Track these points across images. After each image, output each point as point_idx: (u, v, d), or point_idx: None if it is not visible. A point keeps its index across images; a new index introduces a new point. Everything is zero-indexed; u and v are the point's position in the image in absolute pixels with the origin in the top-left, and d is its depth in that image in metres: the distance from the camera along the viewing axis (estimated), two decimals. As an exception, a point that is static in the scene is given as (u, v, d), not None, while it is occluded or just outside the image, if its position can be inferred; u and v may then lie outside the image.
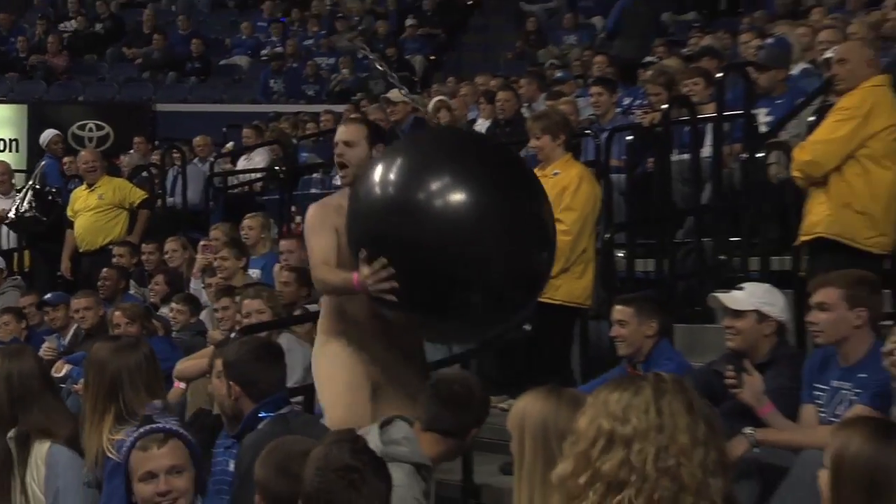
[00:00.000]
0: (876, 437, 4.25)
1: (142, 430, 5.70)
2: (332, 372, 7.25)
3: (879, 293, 7.44)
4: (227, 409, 7.11)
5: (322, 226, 7.28)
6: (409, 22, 28.64)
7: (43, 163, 18.63)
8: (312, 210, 7.58)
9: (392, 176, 6.72)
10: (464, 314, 6.80)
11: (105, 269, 13.69)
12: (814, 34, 14.29)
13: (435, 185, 6.58)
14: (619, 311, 8.27)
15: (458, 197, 6.54)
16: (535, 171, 10.32)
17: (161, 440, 5.55)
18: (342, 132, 7.70)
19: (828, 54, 10.49)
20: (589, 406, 3.65)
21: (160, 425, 5.69)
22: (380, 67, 14.62)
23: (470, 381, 6.57)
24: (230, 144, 20.16)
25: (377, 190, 6.74)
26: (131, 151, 21.15)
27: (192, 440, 5.79)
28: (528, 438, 4.83)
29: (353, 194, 7.00)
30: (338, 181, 15.56)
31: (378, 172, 6.80)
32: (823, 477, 4.23)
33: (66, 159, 19.55)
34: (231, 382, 6.83)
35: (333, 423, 6.75)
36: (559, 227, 9.94)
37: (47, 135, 19.19)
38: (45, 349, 11.19)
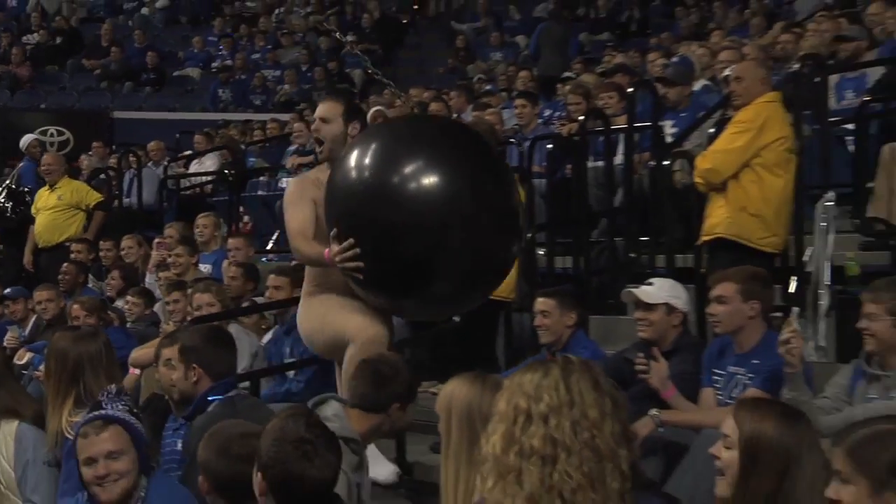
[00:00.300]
0: (786, 422, 4.37)
1: (85, 417, 5.67)
2: (329, 308, 6.99)
3: (771, 288, 7.52)
4: (175, 394, 7.10)
5: (301, 198, 7.00)
6: (350, 35, 28.59)
7: (21, 164, 18.52)
8: (292, 183, 7.38)
9: (367, 160, 6.49)
10: (427, 296, 6.65)
11: (65, 265, 13.56)
12: (713, 54, 14.44)
13: (407, 170, 6.35)
14: (541, 303, 8.28)
15: (428, 182, 6.32)
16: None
17: (100, 427, 5.46)
18: (319, 109, 7.46)
19: (726, 73, 10.62)
20: (506, 388, 3.69)
21: (101, 413, 5.55)
22: (357, 53, 14.39)
23: (397, 362, 6.42)
24: (188, 153, 20.08)
25: (353, 173, 6.52)
26: (90, 154, 21.02)
27: (134, 424, 5.62)
28: (455, 420, 4.90)
29: (331, 175, 6.76)
30: (283, 184, 15.71)
31: (354, 156, 6.57)
32: (726, 457, 4.34)
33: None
34: (194, 365, 6.76)
35: (364, 336, 6.70)
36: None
37: (27, 139, 19.01)
38: (9, 339, 11.15)
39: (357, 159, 6.51)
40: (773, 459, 4.28)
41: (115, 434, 5.45)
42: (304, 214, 6.89)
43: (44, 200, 15.41)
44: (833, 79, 11.42)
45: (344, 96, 8.58)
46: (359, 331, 6.69)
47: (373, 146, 6.57)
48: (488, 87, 19.52)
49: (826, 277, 8.04)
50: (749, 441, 4.30)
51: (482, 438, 3.74)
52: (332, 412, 5.83)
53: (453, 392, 4.97)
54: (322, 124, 7.25)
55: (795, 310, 6.87)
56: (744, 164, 8.70)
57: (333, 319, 6.89)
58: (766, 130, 8.69)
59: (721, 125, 9.78)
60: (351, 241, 6.18)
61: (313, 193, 6.88)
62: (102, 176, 18.04)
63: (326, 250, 6.43)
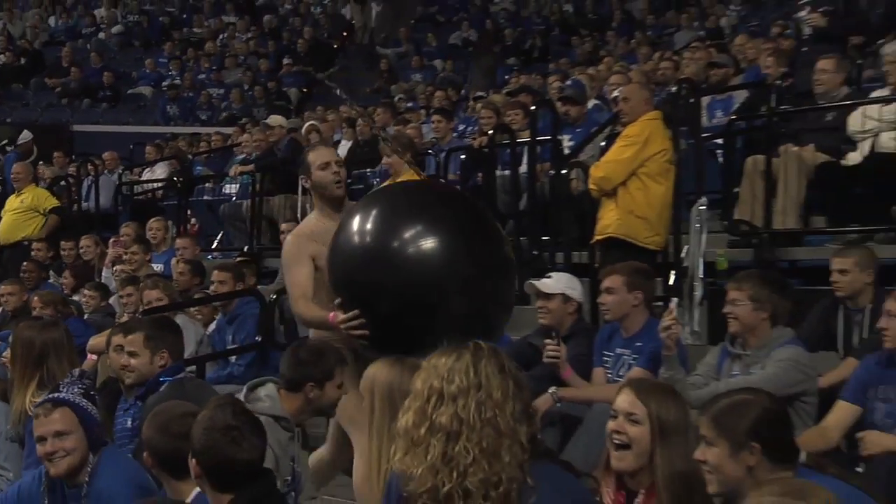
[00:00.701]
0: (679, 400, 4.58)
1: (41, 399, 5.69)
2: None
3: (653, 280, 7.65)
4: (127, 378, 7.03)
5: (298, 257, 6.38)
6: (285, 61, 28.45)
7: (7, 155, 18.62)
8: (289, 241, 6.66)
9: (367, 226, 5.86)
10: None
11: (26, 262, 13.56)
12: (605, 78, 14.58)
13: (406, 234, 5.73)
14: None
15: (427, 246, 5.69)
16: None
17: (49, 409, 5.46)
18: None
19: (615, 94, 10.73)
20: (423, 369, 3.76)
21: (52, 396, 5.56)
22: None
23: (320, 348, 6.22)
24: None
25: (354, 238, 5.88)
26: (50, 164, 20.83)
27: (83, 406, 5.59)
28: (378, 399, 4.96)
29: (334, 240, 6.05)
30: (227, 189, 15.66)
31: (355, 222, 5.93)
32: (635, 432, 4.41)
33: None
34: (163, 351, 6.82)
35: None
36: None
37: (25, 135, 19.11)
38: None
39: (358, 225, 5.92)
40: (675, 433, 4.40)
41: (63, 415, 5.45)
42: (303, 275, 6.33)
43: (10, 204, 15.31)
44: (705, 100, 11.52)
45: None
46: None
47: (373, 213, 5.96)
48: (409, 105, 19.50)
49: (700, 271, 8.16)
50: (658, 418, 4.39)
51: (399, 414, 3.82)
52: (266, 393, 5.81)
53: (376, 374, 5.02)
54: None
55: (675, 300, 6.97)
56: (631, 173, 8.75)
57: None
58: (649, 144, 8.77)
59: (611, 139, 9.80)
60: (356, 312, 5.69)
61: (311, 249, 6.36)
62: (63, 183, 17.89)
63: (331, 314, 5.90)
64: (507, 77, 21.21)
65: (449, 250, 5.78)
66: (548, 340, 7.23)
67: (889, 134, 8.99)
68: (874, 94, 9.51)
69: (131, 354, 6.87)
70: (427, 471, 3.58)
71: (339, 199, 6.63)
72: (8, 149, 19.42)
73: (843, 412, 6.14)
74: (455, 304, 5.71)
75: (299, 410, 5.79)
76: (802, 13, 10.75)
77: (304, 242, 6.42)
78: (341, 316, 5.75)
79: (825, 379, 6.62)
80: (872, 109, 9.19)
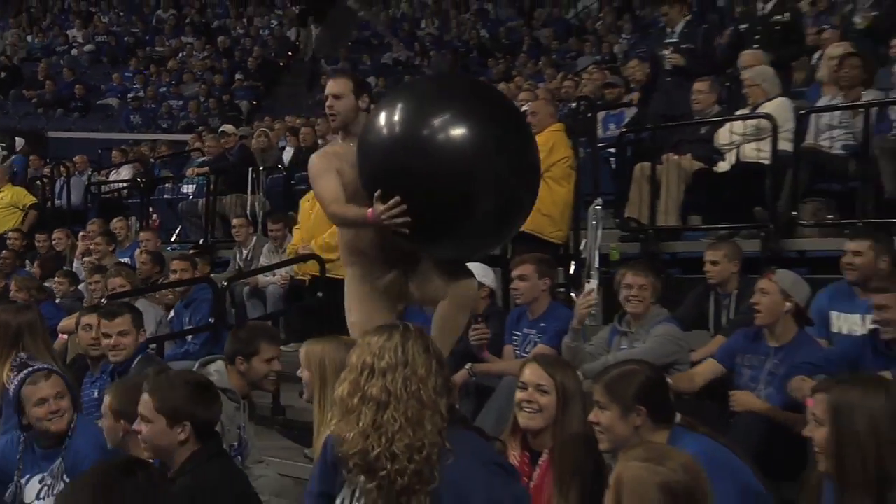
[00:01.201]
0: (574, 372, 4.69)
1: (27, 371, 5.71)
2: (352, 296, 5.88)
3: (556, 269, 7.84)
4: (90, 353, 7.21)
5: (327, 170, 5.74)
6: (237, 76, 28.41)
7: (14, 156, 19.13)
8: (314, 159, 6.00)
9: (397, 116, 5.23)
10: (464, 237, 5.37)
11: (3, 252, 13.49)
12: (516, 94, 14.67)
13: (437, 121, 5.13)
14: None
15: (459, 131, 5.08)
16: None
17: (46, 376, 5.59)
18: (330, 86, 6.09)
19: (524, 108, 10.83)
20: (357, 346, 3.79)
21: (42, 366, 5.74)
22: None
23: (257, 328, 6.38)
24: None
25: (385, 130, 5.25)
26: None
27: (64, 376, 5.82)
28: (329, 373, 4.81)
29: (363, 136, 5.48)
30: (185, 189, 15.50)
31: (384, 114, 5.29)
32: (545, 401, 4.49)
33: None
34: (143, 330, 7.01)
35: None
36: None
37: (20, 141, 19.41)
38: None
39: (387, 117, 5.29)
40: (574, 400, 4.50)
41: (56, 381, 5.58)
42: (333, 183, 5.68)
43: (-10, 201, 15.29)
44: (600, 115, 11.64)
45: (351, 74, 7.20)
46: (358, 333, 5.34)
47: (400, 103, 5.34)
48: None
49: (595, 262, 8.24)
50: (563, 387, 4.48)
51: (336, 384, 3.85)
52: (215, 368, 5.81)
53: (325, 352, 4.93)
54: (335, 100, 5.94)
55: (594, 282, 7.03)
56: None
57: (351, 308, 5.85)
58: (554, 152, 8.84)
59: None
60: (397, 198, 5.08)
61: (336, 164, 5.77)
62: (38, 182, 17.78)
63: (369, 210, 5.25)
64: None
65: (483, 138, 5.17)
66: (475, 325, 7.31)
67: (750, 145, 9.13)
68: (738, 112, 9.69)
69: (122, 334, 6.85)
70: (358, 435, 3.59)
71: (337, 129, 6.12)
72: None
73: (709, 366, 6.39)
74: (486, 186, 5.14)
75: (240, 383, 5.78)
76: (666, 51, 10.89)
77: (329, 158, 5.84)
78: (380, 206, 5.15)
79: (697, 353, 6.77)
80: (737, 125, 9.37)
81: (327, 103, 5.99)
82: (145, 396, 4.25)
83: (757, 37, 11.25)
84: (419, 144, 5.13)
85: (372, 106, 5.84)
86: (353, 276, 5.86)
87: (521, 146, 5.45)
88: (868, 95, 9.20)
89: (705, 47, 11.03)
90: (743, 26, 11.67)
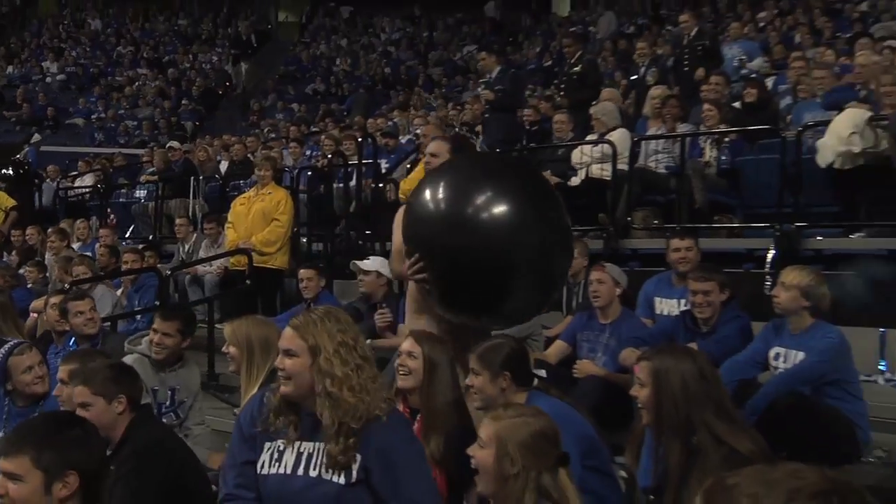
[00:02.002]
0: (443, 345, 4.60)
1: (11, 343, 5.64)
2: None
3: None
4: (56, 328, 7.11)
5: (399, 225, 4.95)
6: (183, 102, 28.12)
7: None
8: (400, 211, 5.22)
9: (440, 193, 4.59)
10: (498, 313, 4.64)
11: (-15, 246, 13.32)
12: (412, 118, 14.74)
13: (479, 200, 4.45)
14: (305, 272, 8.32)
15: (498, 210, 4.42)
16: (254, 190, 10.48)
17: (28, 348, 5.56)
18: (431, 146, 5.73)
19: (418, 131, 10.88)
20: (290, 329, 3.49)
21: (21, 340, 5.74)
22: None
23: (188, 311, 6.35)
24: (74, 173, 19.56)
25: (430, 204, 4.60)
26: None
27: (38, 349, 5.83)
28: (245, 349, 4.86)
29: (409, 204, 4.86)
30: (137, 194, 15.38)
31: (430, 188, 4.65)
32: (413, 364, 4.49)
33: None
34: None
35: None
36: (279, 225, 10.08)
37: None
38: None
39: (432, 192, 4.63)
40: (440, 368, 4.47)
41: (36, 352, 5.58)
42: (398, 238, 5.00)
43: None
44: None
45: (451, 138, 6.87)
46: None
47: (444, 181, 4.67)
48: (273, 136, 19.35)
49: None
50: (428, 357, 4.46)
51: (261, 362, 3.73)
52: (146, 339, 5.83)
53: (244, 329, 4.92)
54: (433, 159, 5.54)
55: None
56: None
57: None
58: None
59: (415, 163, 9.96)
60: (416, 256, 4.59)
61: None
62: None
63: (403, 267, 4.79)
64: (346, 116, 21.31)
65: (521, 216, 4.49)
66: (381, 310, 7.32)
67: (596, 165, 9.26)
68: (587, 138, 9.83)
69: (93, 310, 6.90)
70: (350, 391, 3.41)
71: None
72: None
73: (558, 346, 6.50)
74: (522, 264, 4.48)
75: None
76: (479, 89, 11.22)
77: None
78: (406, 264, 4.70)
79: (552, 331, 6.86)
80: (586, 149, 9.49)
81: (426, 160, 5.62)
82: (80, 388, 4.12)
83: (563, 83, 11.51)
84: (460, 222, 4.43)
85: None
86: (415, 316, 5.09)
87: (556, 220, 4.70)
88: (683, 128, 9.44)
89: (513, 88, 11.22)
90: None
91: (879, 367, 6.57)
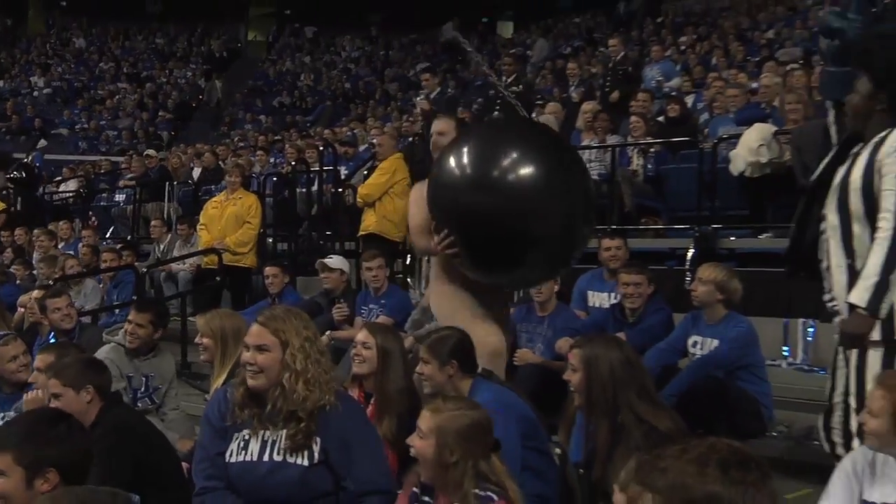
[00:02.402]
0: (396, 335, 4.65)
1: None
2: (457, 310, 4.70)
3: (395, 260, 7.87)
4: (62, 325, 6.88)
5: (418, 202, 4.75)
6: (160, 114, 27.98)
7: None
8: (415, 188, 5.09)
9: (465, 157, 4.37)
10: (520, 272, 4.60)
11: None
12: (370, 129, 14.70)
13: (505, 162, 4.25)
14: (270, 269, 8.27)
15: (524, 172, 4.23)
16: (225, 195, 10.39)
17: (14, 338, 5.50)
18: (436, 125, 5.24)
19: (374, 141, 10.83)
20: (260, 326, 3.46)
21: (8, 332, 5.67)
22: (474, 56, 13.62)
23: (161, 304, 6.26)
24: (59, 178, 19.31)
25: (455, 169, 4.38)
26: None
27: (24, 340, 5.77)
28: (218, 339, 4.81)
29: (433, 171, 4.61)
30: (117, 198, 15.15)
31: (454, 153, 4.44)
32: (367, 354, 4.43)
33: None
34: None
35: (486, 350, 4.52)
36: (251, 227, 10.01)
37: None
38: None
39: (456, 156, 4.41)
40: (392, 357, 4.45)
41: (20, 342, 5.53)
42: (423, 214, 4.71)
43: (-34, 207, 14.75)
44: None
45: (455, 116, 6.47)
46: (480, 343, 4.39)
47: (467, 146, 4.45)
48: (241, 145, 19.26)
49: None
50: (382, 347, 4.44)
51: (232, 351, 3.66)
52: (122, 330, 5.76)
53: (218, 321, 4.87)
54: (439, 137, 5.06)
55: None
56: (384, 192, 8.93)
57: (461, 321, 4.55)
58: (395, 174, 8.94)
59: (371, 170, 9.93)
60: (445, 231, 4.40)
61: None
62: (5, 192, 17.19)
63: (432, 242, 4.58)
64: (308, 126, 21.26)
65: (545, 176, 4.27)
66: (338, 305, 7.30)
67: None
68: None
69: (70, 306, 6.81)
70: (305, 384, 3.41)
71: None
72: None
73: None
74: (544, 225, 4.29)
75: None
76: (418, 99, 11.35)
77: (423, 191, 4.74)
78: (435, 239, 4.51)
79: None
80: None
81: (432, 140, 5.13)
82: (53, 380, 4.09)
83: (498, 102, 11.49)
84: (486, 184, 4.25)
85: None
86: (447, 289, 4.83)
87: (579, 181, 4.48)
88: (613, 139, 9.51)
89: (448, 108, 11.07)
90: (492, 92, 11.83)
91: (783, 352, 6.71)
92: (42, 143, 21.38)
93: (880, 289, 3.35)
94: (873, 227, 3.46)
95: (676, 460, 1.89)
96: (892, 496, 3.12)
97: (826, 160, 3.82)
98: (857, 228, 3.50)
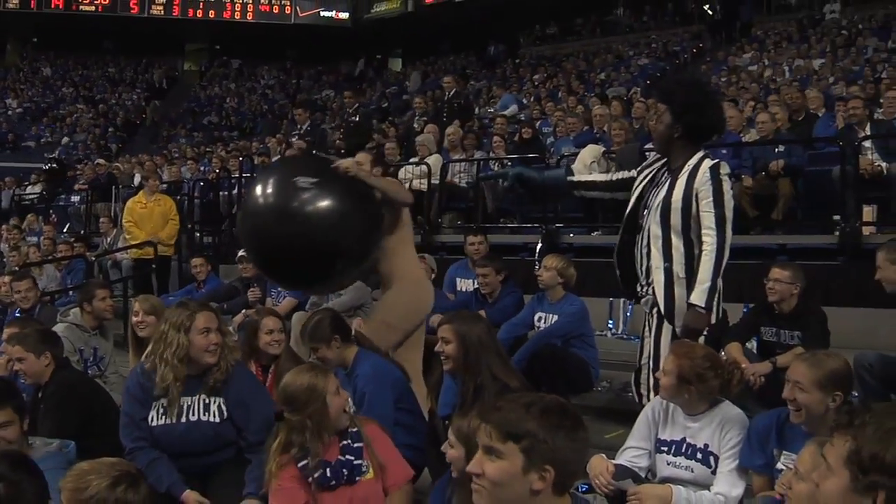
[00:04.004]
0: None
1: None
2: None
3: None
4: (5, 300, 6.68)
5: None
6: (109, 129, 27.07)
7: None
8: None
9: (267, 189, 3.84)
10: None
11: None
12: (280, 142, 14.29)
13: (305, 195, 3.77)
14: (197, 260, 8.01)
15: (323, 203, 3.79)
16: (145, 196, 9.84)
17: None
18: (358, 157, 4.49)
19: (286, 153, 10.51)
20: (212, 313, 3.52)
21: None
22: None
23: (91, 282, 5.95)
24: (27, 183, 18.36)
25: (259, 199, 3.86)
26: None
27: None
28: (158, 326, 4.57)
29: (243, 203, 4.19)
30: (73, 199, 14.54)
31: (259, 186, 3.93)
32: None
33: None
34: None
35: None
36: (175, 224, 9.69)
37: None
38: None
39: (261, 189, 3.89)
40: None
41: None
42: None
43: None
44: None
45: (374, 151, 5.86)
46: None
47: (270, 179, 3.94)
48: (176, 155, 18.54)
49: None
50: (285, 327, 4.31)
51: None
52: (73, 311, 5.46)
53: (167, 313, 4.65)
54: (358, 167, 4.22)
55: None
56: None
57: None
58: None
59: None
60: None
61: None
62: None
63: None
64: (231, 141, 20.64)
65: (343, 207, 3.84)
66: (252, 289, 7.06)
67: (417, 179, 9.10)
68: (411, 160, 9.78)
69: (28, 290, 6.42)
70: None
71: None
72: None
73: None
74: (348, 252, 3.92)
75: (89, 318, 5.39)
76: (293, 139, 10.97)
77: None
78: None
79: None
80: (410, 168, 9.40)
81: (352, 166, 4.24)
82: (17, 347, 3.99)
83: (341, 131, 11.34)
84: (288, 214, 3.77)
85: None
86: None
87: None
88: (479, 153, 9.51)
89: (321, 140, 10.93)
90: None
91: (608, 325, 6.82)
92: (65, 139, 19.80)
93: (712, 291, 3.40)
94: (687, 239, 3.52)
95: (510, 403, 1.96)
96: (678, 435, 3.23)
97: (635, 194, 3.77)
98: (675, 239, 3.53)
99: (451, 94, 11.57)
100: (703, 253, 3.44)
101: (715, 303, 3.46)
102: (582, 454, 1.96)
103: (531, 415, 1.90)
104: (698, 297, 3.41)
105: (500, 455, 1.90)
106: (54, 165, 16.79)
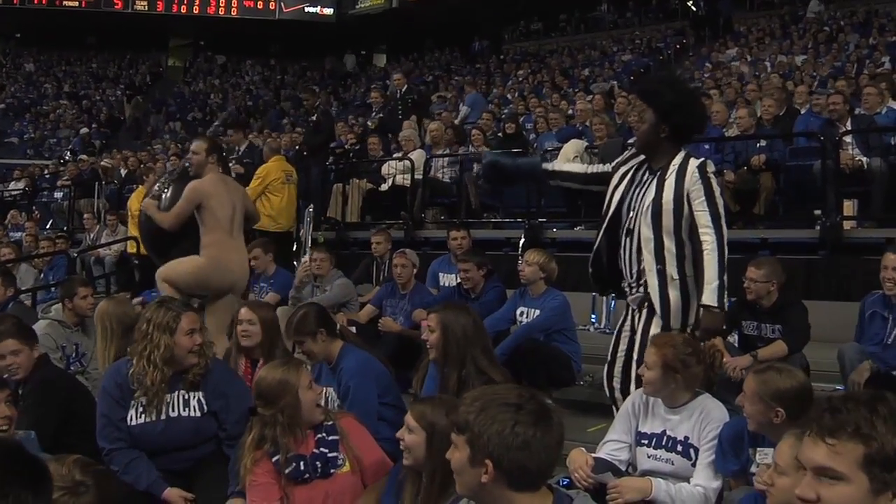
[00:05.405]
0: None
1: None
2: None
3: (275, 247, 7.24)
4: None
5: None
6: (93, 125, 26.67)
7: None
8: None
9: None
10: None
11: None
12: (266, 138, 14.13)
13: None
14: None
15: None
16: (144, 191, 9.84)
17: None
18: (193, 145, 5.69)
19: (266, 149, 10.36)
20: (195, 314, 3.54)
21: None
22: None
23: (74, 279, 5.82)
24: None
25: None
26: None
27: None
28: (115, 324, 4.45)
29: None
30: (56, 195, 14.52)
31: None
32: (253, 330, 4.20)
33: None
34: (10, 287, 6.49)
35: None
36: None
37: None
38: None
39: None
40: (274, 331, 4.20)
41: None
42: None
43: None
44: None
45: (209, 138, 6.62)
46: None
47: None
48: (159, 151, 18.45)
49: (308, 244, 8.10)
50: (266, 322, 4.20)
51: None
52: (54, 308, 5.43)
53: (109, 308, 4.56)
54: (194, 155, 5.50)
55: (307, 256, 6.69)
56: (259, 194, 8.08)
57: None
58: (269, 175, 8.26)
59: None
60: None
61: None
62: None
63: None
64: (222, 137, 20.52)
65: None
66: None
67: (400, 175, 9.13)
68: (394, 155, 9.72)
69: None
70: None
71: None
72: None
73: (368, 309, 6.16)
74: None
75: (70, 314, 5.30)
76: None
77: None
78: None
79: (365, 298, 6.57)
80: (394, 163, 9.33)
81: (189, 155, 5.61)
82: (9, 342, 3.87)
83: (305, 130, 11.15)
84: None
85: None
86: None
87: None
88: (462, 150, 9.48)
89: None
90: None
91: (591, 320, 6.81)
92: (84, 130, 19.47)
93: (721, 288, 3.40)
94: (679, 240, 3.51)
95: (470, 395, 2.00)
96: (658, 428, 3.23)
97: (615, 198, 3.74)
98: (667, 241, 3.52)
99: (404, 90, 11.29)
100: (705, 252, 3.43)
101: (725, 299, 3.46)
102: (540, 451, 1.85)
103: (473, 408, 1.91)
104: (709, 297, 3.40)
105: (456, 445, 1.94)
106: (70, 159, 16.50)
